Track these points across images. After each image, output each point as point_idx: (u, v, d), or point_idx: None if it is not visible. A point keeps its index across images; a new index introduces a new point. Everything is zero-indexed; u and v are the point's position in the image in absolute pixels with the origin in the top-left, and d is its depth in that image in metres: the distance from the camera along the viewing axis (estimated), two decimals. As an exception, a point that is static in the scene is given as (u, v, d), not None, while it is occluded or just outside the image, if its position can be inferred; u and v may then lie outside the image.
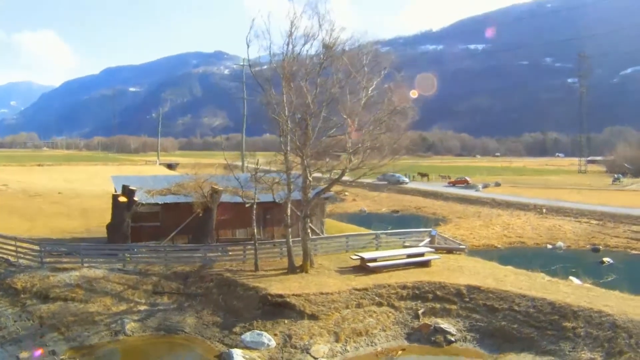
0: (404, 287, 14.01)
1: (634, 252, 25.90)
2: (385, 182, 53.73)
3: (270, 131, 19.34)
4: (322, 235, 19.37)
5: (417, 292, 13.90)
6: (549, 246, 27.62)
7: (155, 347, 12.51)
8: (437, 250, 18.15)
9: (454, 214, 37.79)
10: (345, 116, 15.27)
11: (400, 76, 16.29)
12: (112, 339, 12.52)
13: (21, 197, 33.85)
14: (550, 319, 11.93)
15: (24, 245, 16.01)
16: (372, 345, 12.32)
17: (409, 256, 16.41)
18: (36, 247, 15.78)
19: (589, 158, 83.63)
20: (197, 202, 17.04)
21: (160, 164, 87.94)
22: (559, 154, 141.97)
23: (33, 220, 23.75)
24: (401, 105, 15.42)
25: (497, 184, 52.85)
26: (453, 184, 53.86)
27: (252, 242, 15.86)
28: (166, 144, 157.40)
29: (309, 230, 15.85)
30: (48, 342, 12.10)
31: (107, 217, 18.45)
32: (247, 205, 15.83)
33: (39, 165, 75.03)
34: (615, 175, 59.49)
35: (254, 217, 15.66)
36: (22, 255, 15.73)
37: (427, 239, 19.38)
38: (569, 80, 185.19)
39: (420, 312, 13.34)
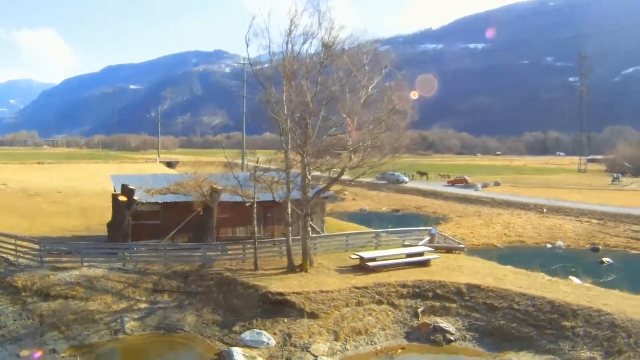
0: (404, 285, 14.03)
1: (633, 251, 25.91)
2: (385, 181, 53.67)
3: (270, 130, 19.32)
4: (322, 234, 19.39)
5: (417, 290, 13.93)
6: (549, 245, 27.63)
7: (155, 346, 12.53)
8: (437, 249, 18.16)
9: (454, 213, 37.81)
10: (344, 115, 15.25)
11: (401, 75, 16.25)
12: (112, 337, 12.54)
13: (21, 196, 33.85)
14: (549, 317, 11.95)
15: (24, 244, 16.01)
16: (371, 344, 12.35)
17: (408, 256, 16.42)
18: (36, 246, 15.79)
19: (590, 157, 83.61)
20: (197, 201, 17.05)
21: (160, 161, 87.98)
22: (560, 153, 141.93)
23: (32, 219, 23.76)
24: (400, 104, 15.40)
25: (497, 184, 52.78)
26: (452, 183, 53.77)
27: (252, 240, 15.87)
28: (167, 142, 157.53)
29: (309, 229, 15.86)
30: (48, 341, 12.12)
31: (107, 216, 18.47)
32: (247, 205, 15.84)
33: (39, 163, 75.07)
34: (615, 175, 59.45)
35: (254, 216, 15.67)
36: (21, 255, 15.74)
37: (427, 238, 19.39)
38: (570, 79, 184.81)
39: (419, 310, 13.36)
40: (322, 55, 15.75)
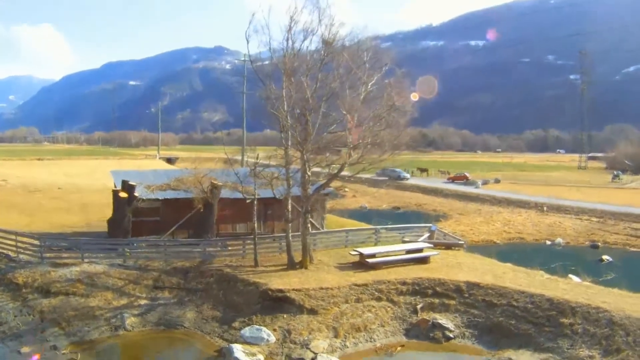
0: (404, 282, 14.06)
1: (633, 249, 25.96)
2: (386, 178, 53.66)
3: (270, 126, 19.29)
4: (322, 230, 19.41)
5: (416, 287, 13.96)
6: (548, 242, 27.68)
7: (155, 342, 12.58)
8: (436, 245, 18.19)
9: (455, 211, 37.83)
10: (344, 112, 15.23)
11: (401, 72, 16.20)
12: (112, 334, 12.58)
13: (20, 192, 33.85)
14: (548, 315, 11.98)
15: (24, 240, 16.03)
16: (371, 341, 12.39)
17: (408, 252, 16.45)
18: (36, 242, 15.80)
19: (590, 154, 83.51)
20: (197, 197, 17.05)
21: (160, 158, 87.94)
22: (560, 150, 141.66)
23: (32, 216, 23.77)
24: (400, 101, 15.37)
25: (497, 181, 52.72)
26: (452, 180, 53.69)
27: (252, 237, 15.89)
28: (167, 139, 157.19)
29: (309, 226, 15.87)
30: (49, 337, 12.15)
31: (107, 212, 18.48)
32: (248, 201, 15.84)
33: (39, 159, 75.04)
34: (615, 172, 59.35)
35: (254, 213, 15.68)
36: (22, 251, 15.75)
37: (427, 235, 19.42)
38: (571, 77, 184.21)
39: (418, 307, 13.39)
40: (322, 52, 15.70)
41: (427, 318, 12.99)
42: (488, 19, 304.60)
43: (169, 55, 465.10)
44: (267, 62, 16.96)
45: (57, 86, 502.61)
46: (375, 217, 31.78)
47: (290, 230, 15.50)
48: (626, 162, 68.45)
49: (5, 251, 15.93)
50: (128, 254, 15.93)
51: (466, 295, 13.55)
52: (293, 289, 13.27)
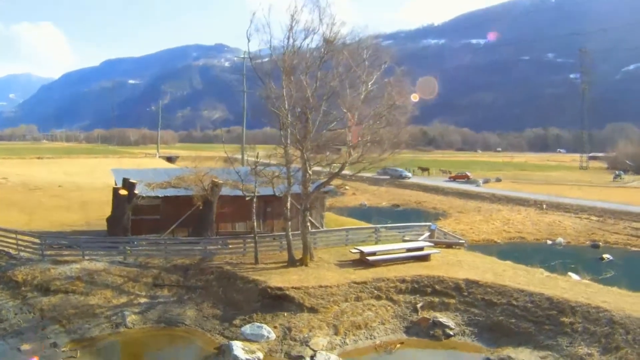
0: (403, 280, 14.07)
1: (633, 248, 25.96)
2: (388, 177, 53.68)
3: (270, 124, 19.28)
4: (322, 229, 19.41)
5: (416, 286, 13.97)
6: (549, 242, 27.68)
7: (155, 340, 12.60)
8: (437, 244, 18.19)
9: (454, 209, 37.82)
10: (345, 110, 15.21)
11: (401, 70, 16.18)
12: (112, 331, 12.60)
13: (21, 190, 33.85)
14: (548, 313, 12.00)
15: (25, 238, 16.04)
16: (370, 339, 12.41)
17: (408, 250, 16.46)
18: (37, 240, 15.81)
19: (591, 154, 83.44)
20: (197, 195, 17.05)
21: (160, 156, 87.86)
22: (561, 150, 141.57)
23: (32, 214, 23.77)
24: (400, 100, 15.36)
25: (498, 180, 52.78)
26: (453, 179, 53.77)
27: (252, 235, 15.90)
28: (166, 137, 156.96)
29: (308, 224, 15.88)
30: (49, 335, 12.17)
31: (107, 210, 18.47)
32: (247, 199, 15.85)
33: (38, 158, 74.99)
34: (617, 172, 59.36)
35: (254, 211, 15.68)
36: (22, 248, 15.77)
37: (427, 233, 19.42)
38: (572, 75, 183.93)
39: (419, 305, 13.41)
40: (322, 50, 15.67)
41: (428, 316, 13.01)
42: (489, 18, 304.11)
43: (169, 53, 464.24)
44: (266, 60, 16.94)
45: (57, 84, 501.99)
46: (374, 214, 31.79)
47: (290, 229, 15.51)
48: (627, 162, 68.42)
49: (5, 249, 15.94)
50: (128, 251, 15.94)
51: (466, 293, 13.57)
52: (293, 287, 13.28)
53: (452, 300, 13.48)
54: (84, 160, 74.85)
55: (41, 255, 15.37)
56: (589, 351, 10.63)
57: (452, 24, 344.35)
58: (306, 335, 12.02)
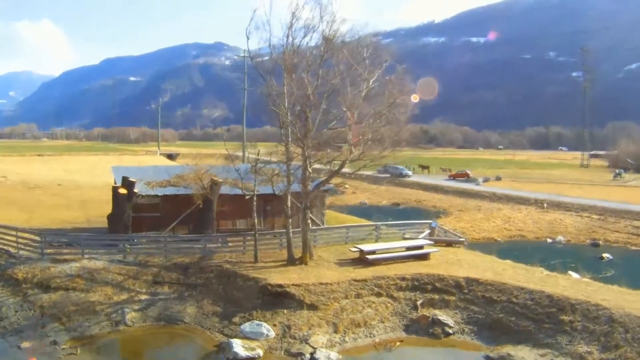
0: (403, 278, 14.08)
1: (633, 247, 25.92)
2: (388, 175, 53.64)
3: (271, 123, 19.26)
4: (322, 226, 19.42)
5: (416, 283, 13.98)
6: (549, 240, 27.66)
7: (155, 338, 12.62)
8: (437, 242, 18.19)
9: (455, 207, 37.80)
10: (345, 109, 15.18)
11: (402, 68, 16.13)
12: (112, 329, 12.61)
13: (20, 188, 33.87)
14: (547, 311, 12.00)
15: (25, 235, 16.05)
16: (370, 337, 12.42)
17: (408, 249, 16.45)
18: (37, 238, 15.82)
19: (592, 152, 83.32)
20: (197, 194, 17.04)
21: (160, 154, 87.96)
22: (562, 148, 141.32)
23: (32, 212, 23.79)
24: (401, 98, 15.32)
25: (498, 178, 52.72)
26: (453, 177, 53.70)
27: (253, 232, 15.90)
28: (167, 135, 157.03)
29: (309, 222, 15.88)
30: (49, 332, 12.18)
31: (107, 208, 18.49)
32: (247, 197, 15.85)
33: (38, 155, 75.05)
34: (617, 171, 59.28)
35: (254, 209, 15.68)
36: (22, 247, 15.78)
37: (427, 231, 19.41)
38: (573, 74, 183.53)
39: (418, 303, 13.42)
40: (322, 48, 15.63)
41: (427, 314, 13.01)
42: (490, 16, 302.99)
43: (169, 52, 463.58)
44: (267, 58, 16.91)
45: (57, 82, 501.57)
46: (375, 213, 31.77)
47: (290, 226, 15.51)
48: (628, 160, 68.31)
49: (5, 247, 15.95)
50: (128, 249, 15.95)
51: (466, 291, 13.57)
52: (293, 284, 13.29)
53: (452, 298, 13.48)
54: (85, 157, 74.88)
55: (41, 254, 15.39)
56: (589, 349, 10.63)
57: (453, 22, 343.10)
58: (305, 333, 12.03)
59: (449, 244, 18.90)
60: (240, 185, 16.20)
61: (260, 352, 11.39)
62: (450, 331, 12.58)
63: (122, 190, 16.68)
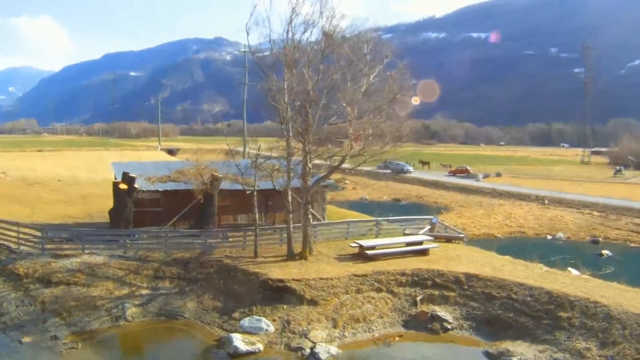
0: (403, 274, 14.11)
1: (633, 244, 25.93)
2: (389, 171, 53.60)
3: (271, 118, 19.21)
4: (323, 222, 19.44)
5: (416, 279, 14.01)
6: (549, 237, 27.68)
7: (155, 333, 12.67)
8: (436, 238, 18.20)
9: (456, 203, 37.82)
10: (345, 104, 15.13)
11: (402, 64, 16.04)
12: (113, 324, 12.67)
13: (20, 184, 33.86)
14: (546, 308, 12.03)
15: (26, 231, 16.08)
16: (369, 332, 12.47)
17: (408, 244, 16.47)
18: (38, 233, 15.84)
19: (594, 149, 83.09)
20: (197, 189, 17.05)
21: (161, 149, 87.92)
22: (564, 145, 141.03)
23: (33, 207, 23.80)
24: (401, 93, 15.27)
25: (498, 174, 52.65)
26: (453, 173, 53.65)
27: (253, 228, 15.92)
28: (167, 130, 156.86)
29: (310, 217, 15.89)
30: (50, 327, 12.23)
31: (108, 204, 18.52)
32: (247, 192, 15.85)
33: (39, 151, 75.02)
34: (617, 167, 59.17)
35: (255, 204, 15.69)
36: (23, 242, 15.81)
37: (428, 227, 19.43)
38: (576, 70, 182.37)
39: (418, 299, 13.45)
40: (322, 44, 15.55)
41: (427, 310, 13.05)
42: (491, 11, 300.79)
43: (169, 47, 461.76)
44: (267, 54, 16.83)
45: (57, 77, 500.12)
46: (376, 209, 31.77)
47: (291, 222, 15.53)
48: (630, 157, 68.12)
49: (6, 242, 15.99)
50: (129, 244, 15.99)
51: (465, 287, 13.60)
52: (293, 279, 13.33)
53: (452, 294, 13.52)
54: (86, 153, 74.89)
55: (41, 249, 15.42)
56: (587, 346, 10.67)
57: (454, 17, 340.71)
58: (305, 328, 12.08)
59: (449, 240, 18.92)
60: (241, 181, 16.19)
61: (261, 346, 11.45)
62: (449, 327, 12.62)
63: (123, 186, 16.68)
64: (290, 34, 15.16)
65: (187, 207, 17.58)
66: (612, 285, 13.45)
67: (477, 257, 16.44)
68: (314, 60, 15.47)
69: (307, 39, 15.53)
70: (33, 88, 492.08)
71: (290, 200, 15.54)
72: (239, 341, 11.34)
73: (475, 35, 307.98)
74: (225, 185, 17.66)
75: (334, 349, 11.36)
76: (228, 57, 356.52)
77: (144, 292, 13.98)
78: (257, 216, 15.85)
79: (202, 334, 12.42)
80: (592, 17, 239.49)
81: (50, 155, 66.48)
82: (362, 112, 15.45)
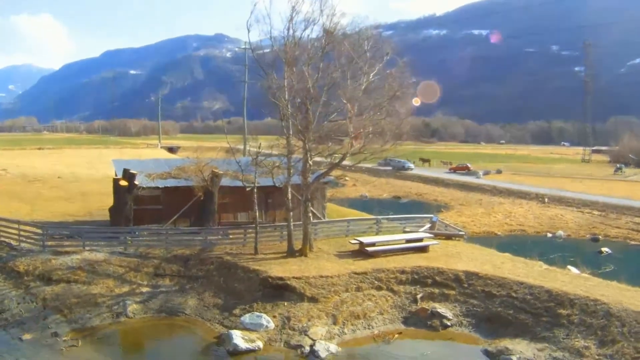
0: (403, 271, 14.13)
1: (633, 243, 25.94)
2: (389, 168, 53.63)
3: (271, 115, 19.20)
4: (323, 220, 19.45)
5: (416, 276, 14.03)
6: (549, 235, 27.69)
7: (156, 329, 12.71)
8: (436, 236, 18.22)
9: (456, 201, 37.79)
10: (345, 101, 15.11)
11: (402, 62, 16.00)
12: (113, 321, 12.71)
13: (20, 182, 33.89)
14: (546, 306, 12.04)
15: (27, 228, 16.10)
16: (369, 329, 12.50)
17: (408, 241, 16.49)
18: (38, 230, 15.86)
19: (594, 148, 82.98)
20: (198, 186, 17.05)
21: (161, 147, 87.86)
22: (565, 143, 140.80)
23: (33, 205, 23.83)
24: (401, 91, 15.24)
25: (499, 171, 52.63)
26: (454, 170, 53.70)
27: (253, 225, 15.94)
28: (167, 127, 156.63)
29: (310, 214, 15.90)
30: (51, 324, 12.26)
31: (108, 201, 18.52)
32: (247, 189, 15.85)
33: (39, 148, 74.96)
34: (617, 165, 59.12)
35: (255, 201, 15.70)
36: (24, 239, 15.84)
37: (428, 225, 19.45)
38: (576, 68, 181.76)
39: (419, 296, 13.48)
40: (323, 41, 15.51)
41: (426, 307, 13.08)
42: (492, 9, 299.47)
43: (169, 44, 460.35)
44: (267, 51, 16.80)
45: (57, 75, 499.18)
46: (376, 206, 31.79)
47: (292, 219, 15.53)
48: (630, 156, 68.04)
49: (7, 240, 16.01)
50: (130, 241, 16.00)
51: (465, 285, 13.61)
52: (293, 277, 13.35)
53: (452, 292, 13.54)
54: (86, 150, 74.83)
55: (42, 246, 15.45)
56: (586, 344, 10.68)
57: (455, 15, 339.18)
58: (305, 325, 12.11)
59: (449, 237, 18.94)
60: (241, 178, 16.19)
61: (260, 344, 11.47)
62: (449, 323, 12.65)
63: (123, 183, 16.68)
64: (290, 31, 15.15)
65: (188, 205, 17.58)
66: (612, 284, 13.45)
67: (477, 254, 16.46)
68: (314, 57, 15.45)
69: (308, 36, 15.53)
70: (33, 86, 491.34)
71: (290, 198, 15.54)
72: (239, 339, 11.37)
73: (476, 32, 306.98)
74: (225, 182, 17.67)
75: (333, 347, 11.39)
76: (228, 54, 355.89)
77: (145, 289, 14.01)
78: (257, 214, 15.86)
79: (202, 331, 12.45)
80: (593, 15, 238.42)
81: (50, 153, 66.46)
82: (362, 110, 15.44)
